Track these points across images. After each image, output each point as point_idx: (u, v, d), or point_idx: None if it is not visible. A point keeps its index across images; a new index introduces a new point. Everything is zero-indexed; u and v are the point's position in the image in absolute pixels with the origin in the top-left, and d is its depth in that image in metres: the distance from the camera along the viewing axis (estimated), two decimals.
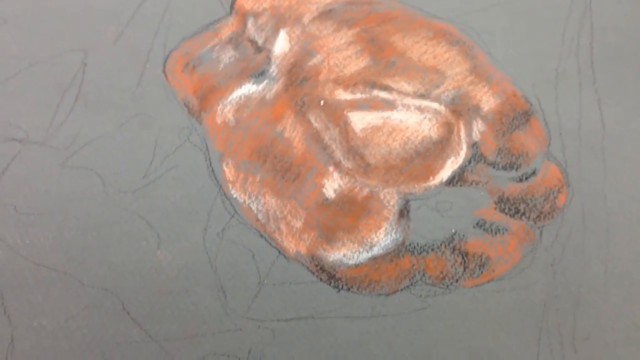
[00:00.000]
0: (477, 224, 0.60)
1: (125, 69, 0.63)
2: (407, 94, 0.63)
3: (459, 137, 0.62)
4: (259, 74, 0.65)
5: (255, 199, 0.60)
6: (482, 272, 0.59)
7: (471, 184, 0.61)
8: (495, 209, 0.61)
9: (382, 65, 0.65)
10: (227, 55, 0.67)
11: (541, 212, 0.61)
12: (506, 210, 0.61)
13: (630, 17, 0.68)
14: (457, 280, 0.58)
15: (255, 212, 0.60)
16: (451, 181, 0.61)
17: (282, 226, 0.60)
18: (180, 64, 0.66)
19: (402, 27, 0.68)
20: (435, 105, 0.62)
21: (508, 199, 0.61)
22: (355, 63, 0.65)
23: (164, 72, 0.67)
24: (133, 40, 0.65)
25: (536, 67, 0.67)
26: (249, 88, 0.65)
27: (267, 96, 0.64)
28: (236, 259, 0.59)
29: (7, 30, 0.65)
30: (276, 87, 0.65)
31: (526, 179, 0.61)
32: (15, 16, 0.66)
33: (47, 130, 0.61)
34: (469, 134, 0.62)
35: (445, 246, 0.59)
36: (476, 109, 0.63)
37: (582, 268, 0.59)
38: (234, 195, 0.60)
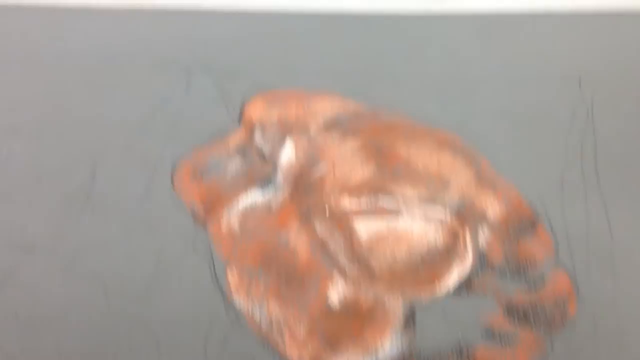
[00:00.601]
0: (486, 333, 0.60)
1: (133, 178, 0.66)
2: (412, 202, 0.65)
3: (465, 244, 0.63)
4: (265, 183, 0.68)
5: (259, 306, 0.61)
6: None
7: (478, 292, 0.62)
8: (504, 318, 0.61)
9: (387, 173, 0.67)
10: (235, 165, 0.70)
11: (551, 322, 0.61)
12: (515, 320, 0.61)
13: (632, 124, 0.70)
14: None
15: (259, 319, 0.61)
16: (458, 289, 0.61)
17: (286, 334, 0.60)
18: (189, 173, 0.69)
19: (406, 136, 0.71)
20: (440, 212, 0.64)
21: (517, 308, 0.61)
22: (360, 171, 0.67)
23: (171, 180, 0.69)
24: (142, 149, 0.68)
25: (541, 174, 0.69)
26: (255, 197, 0.67)
27: (273, 204, 0.66)
28: None
29: (18, 141, 0.68)
30: (282, 195, 0.67)
31: (534, 287, 0.61)
32: (27, 126, 0.69)
33: (53, 238, 0.62)
34: (474, 241, 0.63)
35: (453, 354, 0.59)
36: (482, 216, 0.64)
37: None
38: (238, 302, 0.62)
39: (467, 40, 0.75)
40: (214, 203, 0.68)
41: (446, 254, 0.62)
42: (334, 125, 0.71)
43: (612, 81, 0.71)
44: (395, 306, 0.61)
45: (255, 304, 0.62)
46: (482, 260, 0.62)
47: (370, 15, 0.79)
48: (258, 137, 0.71)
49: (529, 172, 0.69)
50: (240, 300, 0.62)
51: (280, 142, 0.70)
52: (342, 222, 0.63)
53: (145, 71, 0.73)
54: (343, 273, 0.62)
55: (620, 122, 0.69)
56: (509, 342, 0.59)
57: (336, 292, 0.61)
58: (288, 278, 0.62)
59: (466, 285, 0.62)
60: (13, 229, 0.65)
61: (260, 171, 0.69)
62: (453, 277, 0.62)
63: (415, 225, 0.63)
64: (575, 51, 0.74)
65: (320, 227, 0.64)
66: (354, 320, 0.60)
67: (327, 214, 0.64)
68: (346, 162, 0.68)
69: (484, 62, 0.73)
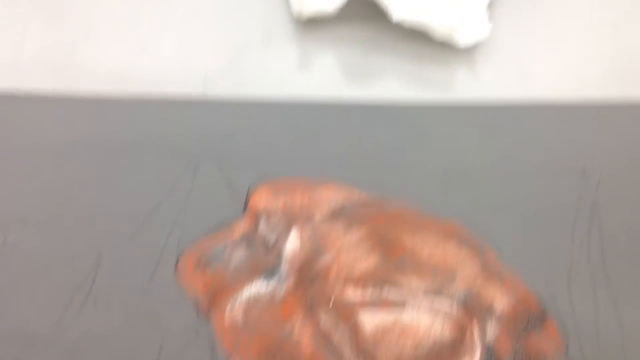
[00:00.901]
0: None
1: (137, 268, 0.65)
2: (418, 293, 0.64)
3: (473, 338, 0.62)
4: (270, 273, 0.67)
5: None
6: None
7: None
8: None
9: (392, 263, 0.66)
10: (239, 254, 0.70)
11: None
12: None
13: (638, 216, 0.69)
14: None
15: None
16: None
17: None
18: (192, 262, 0.69)
19: (411, 226, 0.71)
20: (446, 304, 0.63)
21: None
22: (365, 261, 0.66)
23: (175, 270, 0.69)
24: (147, 239, 0.68)
25: (548, 267, 0.68)
26: (259, 287, 0.67)
27: (277, 295, 0.66)
28: None
29: (23, 231, 0.68)
30: (286, 286, 0.66)
31: None
32: (33, 217, 0.69)
33: (54, 331, 0.61)
34: (482, 335, 0.62)
35: None
36: (489, 309, 0.64)
37: None
38: None
39: (470, 131, 0.76)
40: (217, 294, 0.67)
41: (453, 349, 0.61)
42: (339, 214, 0.71)
43: (617, 173, 0.71)
44: None
45: None
46: (490, 355, 0.61)
47: (374, 106, 0.80)
48: (263, 226, 0.70)
49: (536, 264, 0.68)
50: None
51: (285, 231, 0.70)
52: (346, 314, 0.63)
53: (152, 160, 0.74)
54: None
55: (626, 214, 0.69)
56: None
57: None
58: None
59: None
60: (15, 320, 0.63)
61: (264, 261, 0.69)
62: None
63: (421, 318, 0.62)
64: (579, 142, 0.75)
65: (325, 319, 0.63)
66: None
67: (332, 305, 0.63)
68: (351, 251, 0.68)
69: (487, 152, 0.73)
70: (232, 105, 0.84)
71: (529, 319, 0.64)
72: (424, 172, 0.77)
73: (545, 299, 0.65)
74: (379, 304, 0.63)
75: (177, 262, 0.70)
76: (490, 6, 0.92)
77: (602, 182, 0.75)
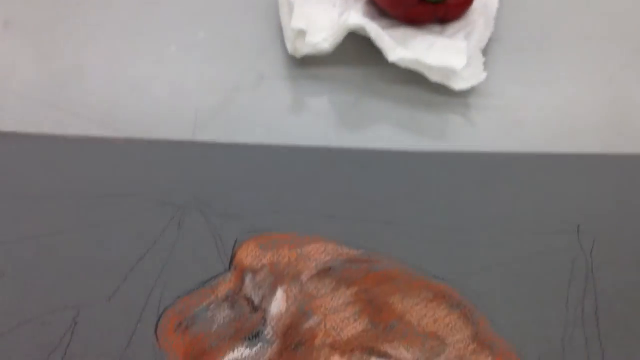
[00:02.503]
0: None
1: (116, 328, 0.60)
2: None
3: None
4: (254, 336, 0.62)
5: None
6: None
7: None
8: None
9: (381, 329, 0.61)
10: (223, 315, 0.65)
11: None
12: None
13: (634, 279, 0.65)
14: None
15: None
16: None
17: None
18: (173, 323, 0.65)
19: (401, 288, 0.66)
20: None
21: None
22: (352, 326, 0.61)
23: (155, 332, 0.64)
24: (128, 296, 0.64)
25: (541, 336, 0.63)
26: (242, 352, 0.62)
27: None
28: None
29: (4, 285, 0.62)
30: (270, 351, 0.61)
31: None
32: (15, 270, 0.63)
33: None
34: None
35: None
36: None
37: None
38: None
39: (464, 181, 0.71)
40: (198, 358, 0.62)
41: None
42: (327, 273, 0.67)
43: (613, 230, 0.67)
44: None
45: None
46: None
47: (366, 151, 0.74)
48: (248, 283, 0.66)
49: (528, 332, 0.63)
50: None
51: (271, 290, 0.66)
52: None
53: (137, 209, 0.69)
54: None
55: (622, 276, 0.65)
56: None
57: None
58: None
59: None
60: None
61: (249, 322, 0.64)
62: None
63: None
64: (574, 195, 0.71)
65: None
66: None
67: None
68: (338, 314, 0.63)
69: (482, 206, 0.69)
70: (221, 149, 0.79)
71: None
72: (415, 227, 0.71)
73: None
74: None
75: (157, 323, 0.65)
76: (486, 51, 0.87)
77: (598, 241, 0.70)
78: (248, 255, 0.69)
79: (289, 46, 0.87)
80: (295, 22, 0.84)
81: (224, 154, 0.78)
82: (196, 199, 0.73)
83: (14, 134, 0.79)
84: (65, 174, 0.75)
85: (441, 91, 0.85)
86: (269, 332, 0.63)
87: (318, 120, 0.84)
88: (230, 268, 0.69)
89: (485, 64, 0.85)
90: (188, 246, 0.70)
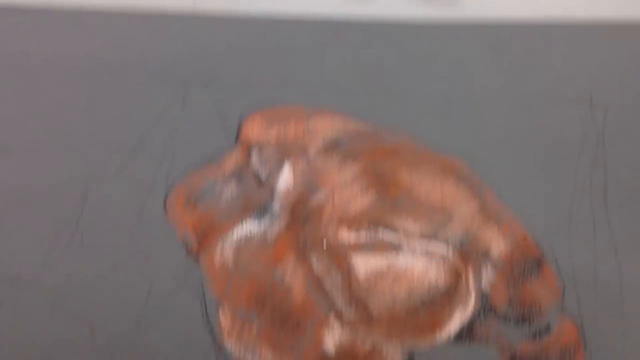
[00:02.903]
0: None
1: (125, 204, 0.59)
2: (413, 235, 0.58)
3: (468, 285, 0.57)
4: (262, 211, 0.62)
5: (252, 352, 0.56)
6: None
7: (480, 340, 0.56)
8: None
9: (388, 203, 0.60)
10: (230, 190, 0.64)
11: None
12: None
13: None
14: None
15: None
16: (459, 337, 0.55)
17: None
18: (182, 198, 0.64)
19: (409, 162, 0.65)
20: (442, 248, 0.58)
21: (520, 356, 0.55)
22: (360, 200, 0.61)
23: (164, 207, 0.63)
24: (135, 171, 0.63)
25: (548, 208, 0.62)
26: (250, 227, 0.61)
27: (269, 236, 0.60)
28: None
29: (7, 160, 0.60)
30: (278, 225, 0.61)
31: (539, 335, 0.55)
32: (19, 145, 0.61)
33: (39, 270, 0.55)
34: (477, 282, 0.57)
35: None
36: (485, 253, 0.58)
37: None
38: (229, 347, 0.56)
39: (474, 52, 0.67)
40: (207, 233, 0.61)
41: (448, 295, 0.56)
42: (334, 147, 0.65)
43: (626, 102, 0.63)
44: (394, 355, 0.55)
45: (248, 349, 0.56)
46: (485, 303, 0.56)
47: (374, 23, 0.70)
48: (255, 159, 0.64)
49: (536, 205, 0.62)
50: (231, 344, 0.56)
51: (278, 165, 0.65)
52: (339, 258, 0.57)
53: (141, 83, 0.66)
54: (339, 316, 0.56)
55: (633, 148, 0.62)
56: None
57: (332, 337, 0.55)
58: (282, 321, 0.56)
59: (468, 332, 0.56)
60: None
61: (256, 197, 0.63)
62: (455, 322, 0.56)
63: (416, 263, 0.57)
64: (587, 66, 0.67)
65: (317, 263, 0.58)
66: None
67: (325, 248, 0.58)
68: (346, 189, 0.62)
69: (492, 77, 0.65)
70: (224, 22, 0.74)
71: (525, 265, 0.58)
72: (425, 100, 0.69)
73: (543, 244, 0.60)
74: (373, 247, 0.58)
75: (165, 199, 0.64)
76: None
77: (610, 113, 0.67)
78: (254, 130, 0.67)
79: None
80: None
81: (227, 27, 0.74)
82: (199, 73, 0.70)
83: (11, 7, 0.75)
84: (65, 48, 0.71)
85: None
86: (276, 207, 0.62)
87: None
88: (236, 143, 0.67)
89: None
90: (193, 121, 0.67)
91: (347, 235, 0.58)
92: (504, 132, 0.65)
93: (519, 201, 0.62)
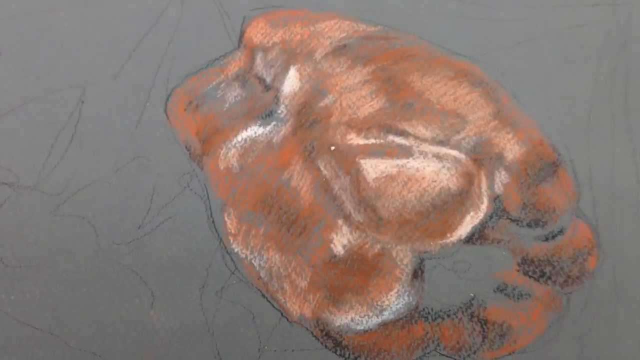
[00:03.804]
0: (498, 287, 0.56)
1: (124, 107, 0.59)
2: (424, 140, 0.58)
3: (480, 189, 0.57)
4: (267, 115, 0.61)
5: (258, 255, 0.57)
6: (502, 343, 0.55)
7: (492, 242, 0.57)
8: (519, 271, 0.56)
9: (399, 107, 0.60)
10: (233, 94, 0.64)
11: (569, 276, 0.56)
12: (530, 273, 0.56)
13: None
14: (475, 352, 0.54)
15: (258, 268, 0.57)
16: (470, 239, 0.56)
17: (286, 285, 0.56)
18: (183, 102, 0.63)
19: (421, 65, 0.64)
20: (454, 153, 0.58)
21: (532, 261, 0.56)
22: (369, 104, 0.60)
23: (165, 111, 0.63)
24: (134, 75, 0.62)
25: (566, 112, 0.62)
26: (255, 130, 0.61)
27: (275, 140, 0.60)
28: (235, 322, 0.55)
29: (2, 64, 0.60)
30: (284, 129, 0.61)
31: (553, 238, 0.56)
32: (12, 49, 0.62)
33: (39, 174, 0.57)
34: (490, 186, 0.57)
35: (463, 312, 0.55)
36: (499, 157, 0.58)
37: (614, 341, 0.55)
38: (235, 250, 0.57)
39: None
40: (210, 137, 0.61)
41: (460, 198, 0.57)
42: (343, 51, 0.64)
43: None
44: (404, 257, 0.56)
45: (254, 252, 0.57)
46: (497, 206, 0.57)
47: None
48: (259, 62, 0.64)
49: (553, 108, 0.62)
50: (238, 247, 0.57)
51: (284, 68, 0.64)
52: (348, 161, 0.57)
53: None
54: (348, 218, 0.56)
55: None
56: (522, 297, 0.55)
57: (340, 240, 0.56)
58: (289, 224, 0.57)
59: (479, 234, 0.57)
60: None
61: (261, 101, 0.63)
62: (466, 225, 0.56)
63: (427, 167, 0.57)
64: None
65: (325, 166, 0.58)
66: (359, 272, 0.55)
67: (333, 151, 0.58)
68: (354, 93, 0.61)
69: None
70: None
71: (540, 168, 0.58)
72: (437, 0, 0.67)
73: (560, 146, 0.60)
74: (383, 150, 0.58)
75: (166, 102, 0.64)
76: None
77: (634, 13, 0.66)
78: (258, 32, 0.67)
79: None
80: None
81: None
82: None
83: None
84: None
85: None
86: (282, 110, 0.62)
87: None
88: (239, 46, 0.67)
89: None
90: (193, 23, 0.67)
91: (355, 140, 0.58)
92: (522, 34, 0.64)
93: (536, 106, 0.62)
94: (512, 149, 0.58)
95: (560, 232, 0.56)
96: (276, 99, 0.62)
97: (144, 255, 0.56)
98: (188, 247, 0.57)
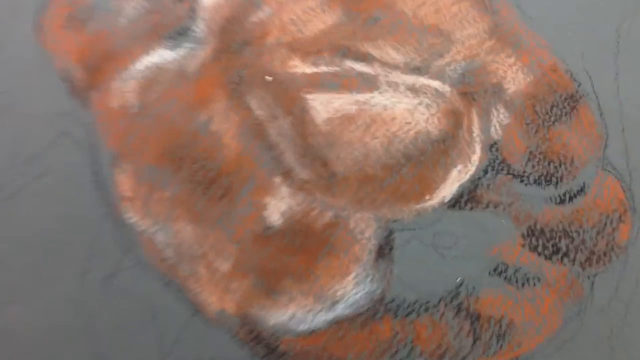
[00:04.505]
0: (495, 269, 0.46)
1: None
2: (395, 67, 0.49)
3: (470, 133, 0.48)
4: (179, 34, 0.52)
5: (163, 226, 0.47)
6: (501, 346, 0.45)
7: (487, 206, 0.47)
8: (523, 246, 0.47)
9: (360, 22, 0.51)
10: (133, 4, 0.53)
11: (593, 252, 0.47)
12: (539, 249, 0.47)
13: None
14: (463, 359, 0.43)
15: (162, 246, 0.47)
16: (457, 202, 0.47)
17: (201, 269, 0.46)
18: (63, 16, 0.52)
19: None
20: (436, 84, 0.49)
21: (542, 231, 0.47)
22: (320, 19, 0.51)
23: (37, 27, 0.52)
24: None
25: (588, 27, 0.52)
26: (162, 55, 0.51)
27: (189, 67, 0.50)
28: (128, 321, 0.45)
29: None
30: (203, 53, 0.51)
31: (570, 199, 0.47)
32: None
33: None
34: (485, 128, 0.48)
35: (447, 305, 0.46)
36: (497, 90, 0.49)
37: None
38: (132, 220, 0.47)
39: None
40: (100, 64, 0.51)
41: (442, 146, 0.48)
42: None
43: None
44: (365, 228, 0.46)
45: (157, 222, 0.47)
46: (494, 157, 0.48)
47: None
48: None
49: (571, 22, 0.52)
50: (135, 216, 0.47)
51: None
52: (289, 96, 0.49)
53: None
54: (289, 175, 0.47)
55: None
56: (529, 282, 0.46)
57: (278, 205, 0.46)
58: (207, 183, 0.47)
59: (470, 196, 0.47)
60: None
61: (171, 15, 0.52)
62: (451, 182, 0.47)
63: (397, 102, 0.48)
64: None
65: (258, 104, 0.49)
66: (303, 250, 0.46)
67: (269, 83, 0.49)
68: (299, 4, 0.52)
69: None
70: None
71: (553, 105, 0.49)
72: None
73: (579, 75, 0.50)
74: (338, 82, 0.48)
75: (39, 15, 0.52)
76: None
77: None
78: None
79: None
80: None
81: None
82: None
83: None
84: None
85: None
86: (200, 27, 0.52)
87: None
88: None
89: None
90: None
91: (300, 68, 0.49)
92: None
93: (547, 18, 0.52)
94: (514, 78, 0.49)
95: (581, 191, 0.47)
96: (192, 11, 0.53)
97: (4, 227, 0.46)
98: (64, 217, 0.46)
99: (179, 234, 0.46)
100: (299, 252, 0.45)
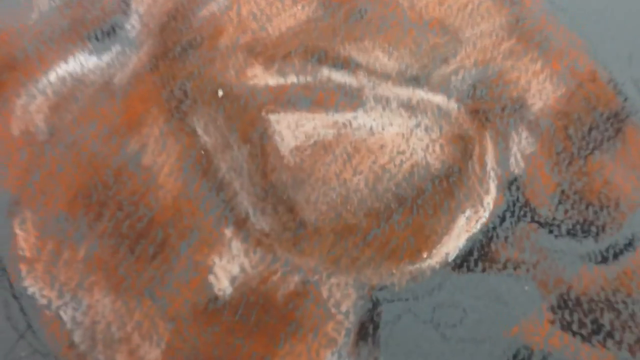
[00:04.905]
0: (516, 356, 0.39)
1: None
2: (385, 76, 0.43)
3: (483, 166, 0.42)
4: (106, 33, 0.45)
5: (72, 298, 0.40)
6: None
7: (505, 267, 0.41)
8: (553, 322, 0.40)
9: (341, 17, 0.45)
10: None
11: None
12: (574, 327, 0.40)
13: None
14: None
15: (70, 326, 0.39)
16: (465, 261, 0.41)
17: (121, 358, 0.39)
18: None
19: None
20: (439, 99, 0.43)
21: (579, 302, 0.40)
22: (289, 13, 0.45)
23: None
24: None
25: (638, 23, 0.46)
26: (82, 62, 0.44)
27: (117, 79, 0.44)
28: None
29: None
30: (136, 60, 0.44)
31: (615, 257, 0.41)
32: None
33: None
34: (502, 160, 0.42)
35: None
36: (518, 107, 0.43)
37: None
38: (30, 290, 0.40)
39: None
40: (3, 71, 0.44)
41: (446, 185, 0.41)
42: None
43: None
44: (342, 300, 0.40)
45: (65, 293, 0.40)
46: (515, 197, 0.41)
47: None
48: None
49: (614, 14, 0.45)
50: (34, 285, 0.40)
51: None
52: (248, 118, 0.42)
53: None
54: (243, 226, 0.40)
55: None
56: None
57: (227, 267, 0.40)
58: (135, 238, 0.40)
59: (481, 253, 0.41)
60: None
61: (96, 9, 0.45)
62: (457, 233, 0.41)
63: (388, 126, 0.42)
64: None
65: (206, 128, 0.42)
66: (259, 330, 0.39)
67: (221, 99, 0.42)
68: None
69: None
70: None
71: (592, 125, 0.42)
72: None
73: (626, 84, 0.43)
74: (311, 97, 0.42)
75: None
76: None
77: None
78: None
79: None
80: None
81: None
82: None
83: None
84: None
85: None
86: (133, 25, 0.45)
87: None
88: None
89: None
90: None
91: (262, 78, 0.42)
92: None
93: (584, 10, 0.45)
94: (540, 91, 0.43)
95: (629, 245, 0.41)
96: (124, 3, 0.46)
97: None
98: None
99: (93, 309, 0.39)
100: (254, 333, 0.38)
